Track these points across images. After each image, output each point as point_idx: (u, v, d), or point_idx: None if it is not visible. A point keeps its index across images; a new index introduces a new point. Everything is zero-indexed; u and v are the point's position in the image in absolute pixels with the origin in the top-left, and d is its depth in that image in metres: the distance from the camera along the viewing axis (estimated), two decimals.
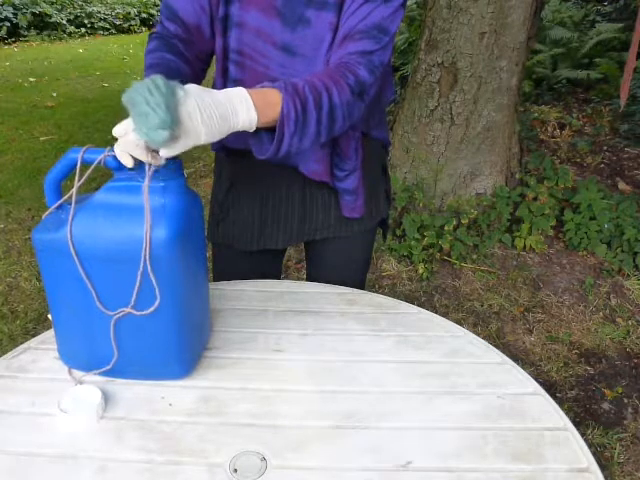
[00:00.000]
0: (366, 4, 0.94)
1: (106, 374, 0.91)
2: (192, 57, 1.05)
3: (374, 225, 1.30)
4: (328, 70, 0.95)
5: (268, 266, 1.32)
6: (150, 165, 0.79)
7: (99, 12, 10.09)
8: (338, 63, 0.95)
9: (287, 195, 1.19)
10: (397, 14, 0.96)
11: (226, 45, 1.04)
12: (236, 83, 1.07)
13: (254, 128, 0.84)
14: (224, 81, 1.08)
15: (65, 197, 0.84)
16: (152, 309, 0.83)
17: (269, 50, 1.02)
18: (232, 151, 1.17)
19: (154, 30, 1.07)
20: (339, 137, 1.08)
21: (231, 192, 1.22)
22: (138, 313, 0.84)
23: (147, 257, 0.79)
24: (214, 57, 1.10)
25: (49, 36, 9.17)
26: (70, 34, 9.50)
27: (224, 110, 0.78)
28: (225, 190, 1.23)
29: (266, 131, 0.88)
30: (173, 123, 0.71)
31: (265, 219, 1.21)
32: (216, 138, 0.79)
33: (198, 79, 1.08)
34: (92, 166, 0.80)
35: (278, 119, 0.85)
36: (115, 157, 0.80)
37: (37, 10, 8.96)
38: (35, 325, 2.27)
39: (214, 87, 1.12)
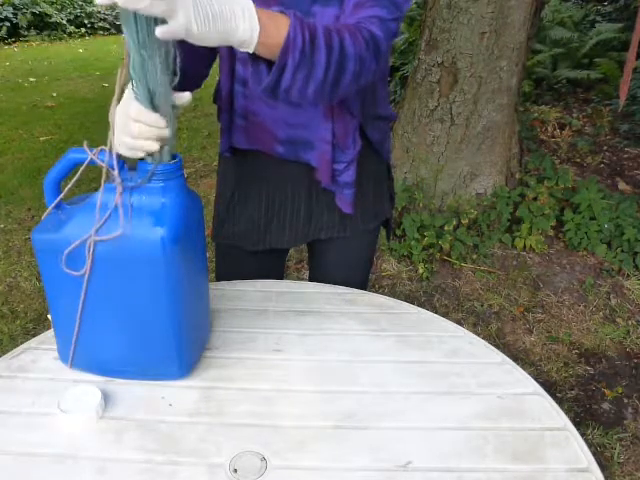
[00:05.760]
0: None
1: (106, 374, 0.92)
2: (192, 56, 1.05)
3: (378, 225, 1.30)
4: (341, 23, 0.89)
5: (271, 267, 1.32)
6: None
7: (99, 12, 10.10)
8: (352, 23, 0.89)
9: (293, 195, 1.19)
10: None
11: None
12: (244, 82, 1.08)
13: (254, 42, 0.76)
14: (232, 81, 1.08)
15: (61, 195, 0.84)
16: (117, 233, 0.78)
17: None
18: (239, 152, 1.17)
19: None
20: (336, 126, 1.07)
21: (237, 192, 1.22)
22: (101, 238, 0.79)
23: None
24: (216, 58, 1.10)
25: (49, 36, 9.18)
26: (70, 34, 9.51)
27: (221, 9, 0.71)
28: (231, 190, 1.23)
29: (268, 64, 0.81)
30: None
31: (271, 219, 1.21)
32: (208, 40, 0.72)
33: (202, 78, 1.09)
34: (83, 165, 0.80)
35: (282, 44, 0.77)
36: (114, 157, 0.80)
37: (37, 10, 8.97)
38: (35, 325, 2.27)
39: (220, 88, 1.12)
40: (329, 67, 0.82)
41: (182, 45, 0.76)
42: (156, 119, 0.76)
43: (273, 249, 1.24)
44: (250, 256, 1.25)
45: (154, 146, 0.78)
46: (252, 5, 0.75)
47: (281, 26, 0.77)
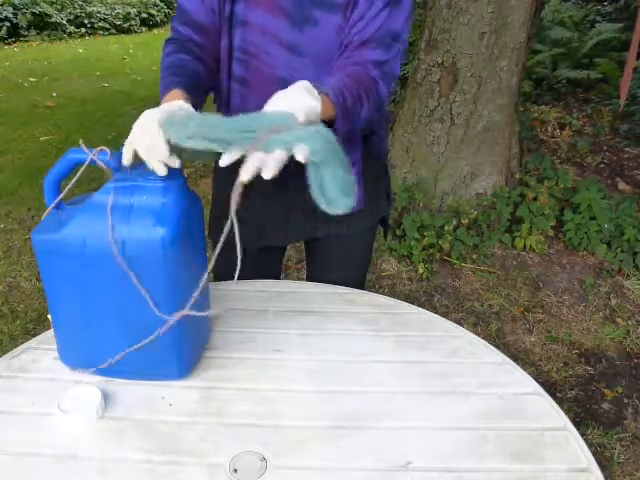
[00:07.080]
0: (384, 10, 0.96)
1: (106, 374, 0.92)
2: (207, 58, 1.06)
3: (374, 223, 1.30)
4: (362, 77, 0.97)
5: (269, 266, 1.32)
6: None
7: (99, 12, 10.09)
8: (363, 73, 0.97)
9: (289, 193, 1.19)
10: (408, 22, 1.00)
11: (231, 44, 1.04)
12: (241, 81, 1.08)
13: None
14: (229, 80, 1.09)
15: (61, 195, 0.84)
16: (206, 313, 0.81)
17: (276, 50, 1.02)
18: None
19: (169, 37, 1.08)
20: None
21: None
22: (196, 313, 0.82)
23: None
24: None
25: (49, 36, 9.17)
26: (70, 34, 9.49)
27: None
28: (227, 188, 1.23)
29: None
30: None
31: (268, 217, 1.21)
32: None
33: (213, 78, 1.10)
34: (84, 165, 0.80)
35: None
36: (114, 157, 0.80)
37: (37, 10, 8.95)
38: (35, 325, 2.27)
39: (220, 86, 1.12)
40: (345, 133, 0.92)
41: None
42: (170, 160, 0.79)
43: (270, 247, 1.24)
44: (247, 254, 1.25)
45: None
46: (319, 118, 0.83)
47: (326, 117, 0.87)
